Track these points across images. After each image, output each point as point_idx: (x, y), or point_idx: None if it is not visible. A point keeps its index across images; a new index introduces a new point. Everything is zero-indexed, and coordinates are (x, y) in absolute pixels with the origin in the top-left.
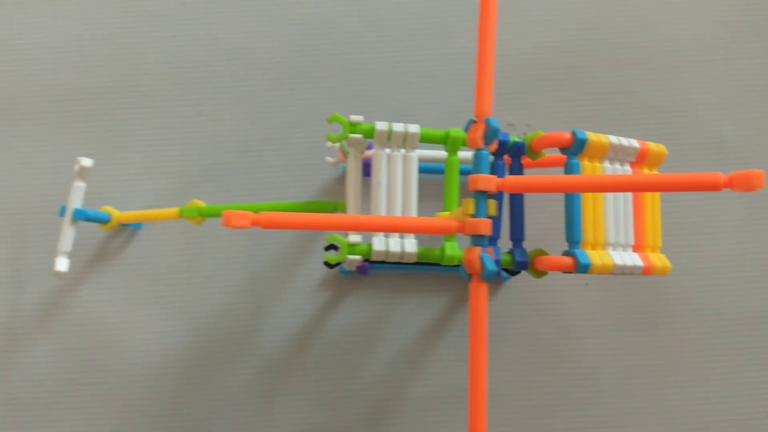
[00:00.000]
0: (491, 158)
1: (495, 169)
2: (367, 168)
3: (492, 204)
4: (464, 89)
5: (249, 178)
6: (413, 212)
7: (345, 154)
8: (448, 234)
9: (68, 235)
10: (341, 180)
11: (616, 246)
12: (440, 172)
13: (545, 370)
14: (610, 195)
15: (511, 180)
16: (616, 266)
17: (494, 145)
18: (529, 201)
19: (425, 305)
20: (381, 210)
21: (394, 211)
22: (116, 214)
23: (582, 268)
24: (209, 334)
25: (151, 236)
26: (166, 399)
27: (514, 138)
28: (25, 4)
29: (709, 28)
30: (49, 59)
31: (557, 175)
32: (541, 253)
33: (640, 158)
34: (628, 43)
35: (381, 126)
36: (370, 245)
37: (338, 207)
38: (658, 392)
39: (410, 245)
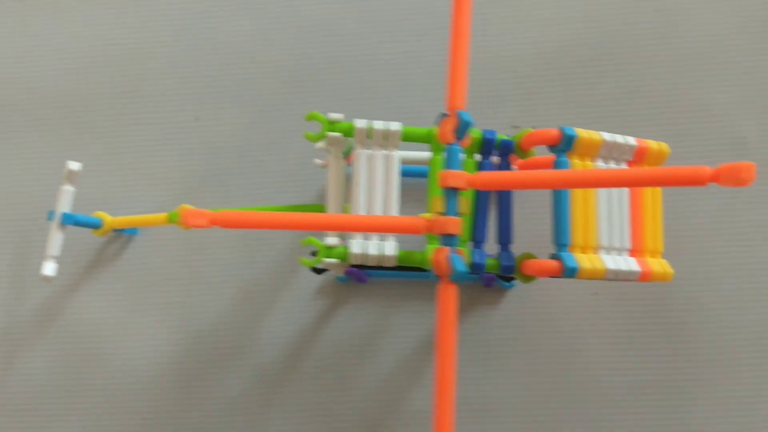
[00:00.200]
0: (479, 158)
1: (482, 169)
2: None
3: (464, 201)
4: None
5: (248, 183)
6: (394, 213)
7: None
8: (416, 233)
9: (56, 239)
10: None
11: (609, 250)
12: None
13: (550, 384)
14: (602, 195)
15: (482, 176)
16: (608, 271)
17: (467, 141)
18: (528, 203)
19: (424, 314)
20: (360, 211)
21: (374, 212)
22: (108, 219)
23: (568, 272)
24: (205, 342)
25: (147, 243)
26: (161, 406)
27: (501, 136)
28: (24, 12)
29: (728, 23)
30: (49, 66)
31: (530, 171)
32: (530, 257)
33: (638, 157)
34: (641, 40)
35: (360, 124)
36: (347, 248)
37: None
38: (672, 410)
39: (390, 248)
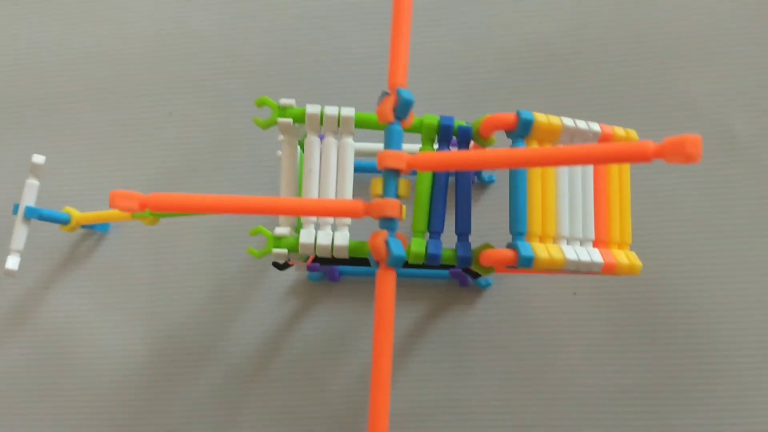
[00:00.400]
0: (435, 146)
1: None
2: None
3: (403, 184)
4: (451, 83)
5: (221, 178)
6: None
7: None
8: (355, 217)
9: (20, 233)
10: None
11: (571, 240)
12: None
13: (528, 387)
14: (564, 183)
15: (422, 156)
16: (567, 261)
17: (409, 120)
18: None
19: (399, 315)
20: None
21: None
22: (77, 215)
23: (523, 261)
24: (174, 342)
25: (118, 242)
26: (130, 406)
27: (459, 122)
28: None
29: (716, 14)
30: (22, 63)
31: (467, 151)
32: (488, 247)
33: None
34: (626, 31)
35: (312, 109)
36: (297, 238)
37: None
38: (655, 414)
39: (341, 238)
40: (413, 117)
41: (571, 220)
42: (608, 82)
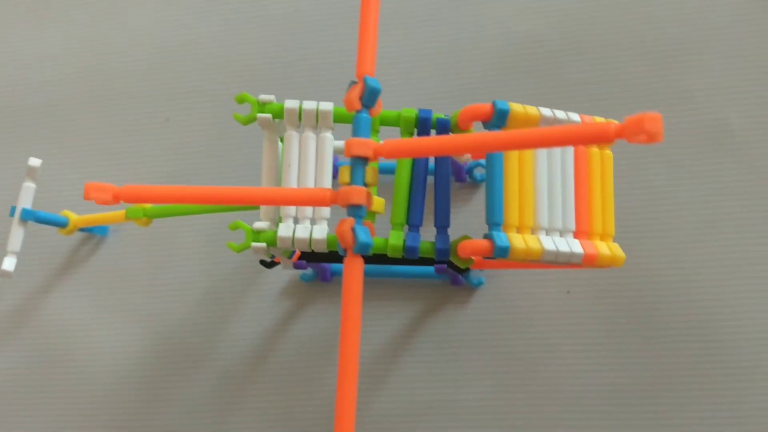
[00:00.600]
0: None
1: None
2: None
3: (370, 171)
4: (443, 82)
5: (218, 183)
6: None
7: None
8: (323, 205)
9: (17, 234)
10: None
11: (550, 231)
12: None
13: (519, 386)
14: (542, 173)
15: (389, 144)
16: (545, 251)
17: (377, 109)
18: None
19: (391, 315)
20: None
21: None
22: (74, 217)
23: (499, 251)
24: (169, 344)
25: (116, 245)
26: (126, 408)
27: (437, 115)
28: None
29: (712, 6)
30: (21, 71)
31: (432, 137)
32: (466, 239)
33: None
34: (620, 26)
35: (290, 104)
36: (276, 232)
37: None
38: (650, 414)
39: (319, 231)
40: (381, 106)
41: (550, 210)
42: (602, 79)
